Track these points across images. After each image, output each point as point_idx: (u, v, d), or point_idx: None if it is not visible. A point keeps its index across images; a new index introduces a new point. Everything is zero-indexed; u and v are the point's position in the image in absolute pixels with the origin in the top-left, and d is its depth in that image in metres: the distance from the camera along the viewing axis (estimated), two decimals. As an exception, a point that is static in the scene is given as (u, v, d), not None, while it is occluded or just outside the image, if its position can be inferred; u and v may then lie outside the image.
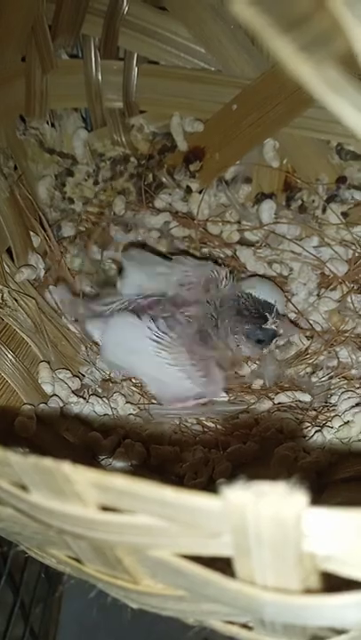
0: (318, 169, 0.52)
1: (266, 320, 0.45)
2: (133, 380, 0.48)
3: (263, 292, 0.46)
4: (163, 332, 0.43)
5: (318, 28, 0.13)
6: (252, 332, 0.45)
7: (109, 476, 0.16)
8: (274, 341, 0.47)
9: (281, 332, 0.46)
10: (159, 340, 0.43)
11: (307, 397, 0.45)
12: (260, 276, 0.51)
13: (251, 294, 0.46)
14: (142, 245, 0.52)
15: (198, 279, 0.46)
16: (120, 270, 0.49)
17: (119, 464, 0.38)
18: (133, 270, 0.47)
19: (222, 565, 0.18)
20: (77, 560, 0.23)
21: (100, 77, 0.52)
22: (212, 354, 0.45)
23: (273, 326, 0.45)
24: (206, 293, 0.46)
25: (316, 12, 0.13)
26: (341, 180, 0.51)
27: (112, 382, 0.47)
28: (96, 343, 0.47)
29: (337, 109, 0.11)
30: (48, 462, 0.17)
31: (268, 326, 0.45)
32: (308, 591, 0.18)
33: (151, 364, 0.44)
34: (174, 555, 0.18)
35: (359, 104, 0.12)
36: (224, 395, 0.47)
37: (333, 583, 0.18)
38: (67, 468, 0.17)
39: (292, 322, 0.49)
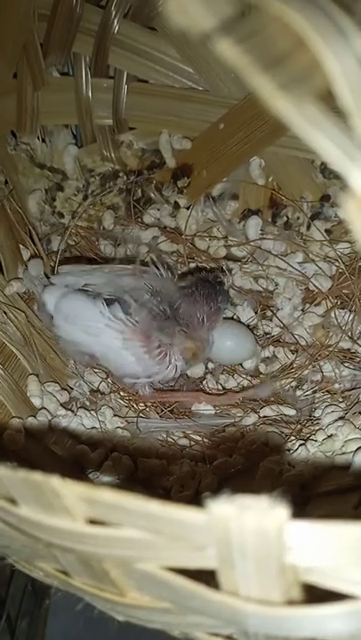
0: (303, 187, 0.53)
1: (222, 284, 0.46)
2: (122, 393, 0.48)
3: (234, 337, 0.47)
4: (116, 316, 0.43)
5: (298, 65, 0.13)
6: (212, 300, 0.45)
7: (97, 489, 0.17)
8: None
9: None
10: (111, 323, 0.43)
11: (291, 411, 0.45)
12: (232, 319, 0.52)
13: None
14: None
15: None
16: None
17: (107, 477, 0.39)
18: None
19: (207, 577, 0.19)
20: (65, 573, 0.23)
21: (90, 95, 0.53)
22: (170, 341, 0.44)
23: (229, 289, 0.47)
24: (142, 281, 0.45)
25: (295, 51, 0.14)
26: (325, 198, 0.53)
27: (100, 393, 0.47)
28: (50, 316, 0.46)
29: (316, 144, 0.12)
30: (37, 476, 0.17)
31: (224, 290, 0.47)
32: (291, 603, 0.18)
33: (102, 345, 0.44)
34: (160, 567, 0.19)
35: (337, 139, 0.12)
36: (210, 408, 0.47)
37: (315, 595, 0.18)
38: (55, 482, 0.17)
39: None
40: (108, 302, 0.44)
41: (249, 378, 0.50)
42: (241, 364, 0.51)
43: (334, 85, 0.14)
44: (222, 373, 0.51)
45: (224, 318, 0.49)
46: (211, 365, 0.51)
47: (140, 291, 0.45)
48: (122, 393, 0.48)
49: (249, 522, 0.15)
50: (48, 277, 0.47)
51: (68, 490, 0.17)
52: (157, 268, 0.46)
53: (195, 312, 0.45)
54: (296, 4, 0.14)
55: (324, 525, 0.15)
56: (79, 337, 0.44)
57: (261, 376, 0.50)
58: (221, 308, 0.46)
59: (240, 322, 0.52)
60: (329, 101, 0.14)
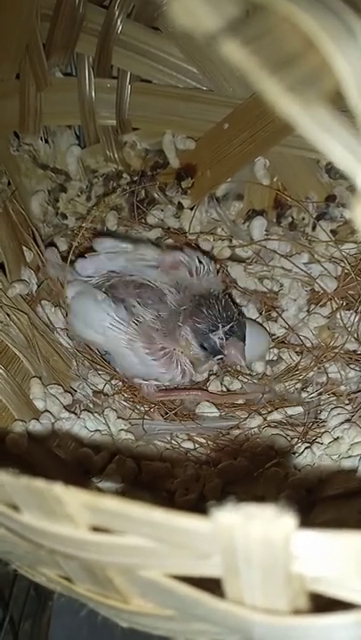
0: (308, 187, 0.53)
1: (216, 329, 0.42)
2: (125, 395, 0.48)
3: (248, 336, 0.45)
4: (121, 319, 0.44)
5: (306, 67, 0.13)
6: (201, 334, 0.43)
7: (100, 497, 0.17)
8: (215, 359, 0.44)
9: (224, 353, 0.43)
10: (115, 324, 0.44)
11: (298, 409, 0.45)
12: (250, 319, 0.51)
13: (224, 296, 0.44)
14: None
15: (163, 262, 0.46)
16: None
17: (110, 480, 0.38)
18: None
19: (212, 585, 0.18)
20: (68, 579, 0.23)
21: (93, 95, 0.53)
22: (174, 345, 0.44)
23: (217, 340, 0.42)
24: (171, 277, 0.45)
25: (304, 52, 0.13)
26: (331, 198, 0.52)
27: (104, 394, 0.47)
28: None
29: (324, 147, 0.12)
30: (40, 483, 0.17)
31: (213, 337, 0.42)
32: (297, 612, 0.18)
33: (110, 345, 0.46)
34: (165, 575, 0.19)
35: (345, 141, 0.12)
36: (215, 410, 0.47)
37: (322, 604, 0.18)
38: (58, 489, 0.17)
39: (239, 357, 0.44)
40: (115, 302, 0.45)
41: (254, 380, 0.50)
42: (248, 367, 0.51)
43: (344, 87, 0.13)
44: (226, 375, 0.51)
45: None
46: (215, 367, 0.51)
47: (155, 289, 0.45)
48: (125, 394, 0.48)
49: (255, 531, 0.15)
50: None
51: (72, 497, 0.17)
52: (197, 263, 0.46)
53: (184, 330, 0.44)
54: (304, 4, 0.14)
55: (330, 535, 0.15)
56: (90, 335, 0.46)
57: (267, 378, 0.50)
58: (201, 352, 0.44)
59: (252, 320, 0.51)
60: (338, 102, 0.14)
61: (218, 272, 0.48)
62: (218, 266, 0.49)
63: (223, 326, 0.42)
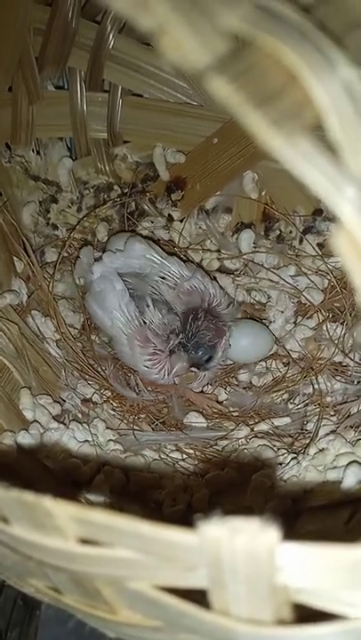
0: (296, 201, 0.54)
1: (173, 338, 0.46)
2: (113, 404, 0.49)
3: (250, 336, 0.48)
4: (129, 314, 0.47)
5: (290, 100, 0.14)
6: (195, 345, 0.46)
7: (89, 510, 0.17)
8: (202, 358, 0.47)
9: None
10: (121, 315, 0.47)
11: (285, 420, 0.46)
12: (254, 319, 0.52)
13: (207, 319, 0.46)
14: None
15: (180, 287, 0.48)
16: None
17: (98, 491, 0.39)
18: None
19: (198, 596, 0.19)
20: (57, 590, 0.23)
21: (85, 108, 0.54)
22: (166, 353, 0.46)
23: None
24: (183, 300, 0.48)
25: (287, 86, 0.14)
26: (317, 212, 0.53)
27: (93, 403, 0.47)
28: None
29: (306, 179, 0.12)
30: (29, 496, 0.17)
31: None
32: (281, 622, 0.18)
33: (113, 330, 0.48)
34: (152, 587, 0.19)
35: (327, 173, 0.13)
36: (203, 420, 0.47)
37: (306, 614, 0.18)
38: (47, 502, 0.17)
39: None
40: (131, 297, 0.47)
41: (242, 390, 0.50)
42: (235, 377, 0.51)
43: (325, 119, 0.14)
44: (214, 385, 0.51)
45: (240, 318, 0.51)
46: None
47: (165, 304, 0.48)
48: (114, 404, 0.49)
49: (240, 544, 0.15)
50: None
51: (61, 510, 0.17)
52: (211, 295, 0.48)
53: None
54: (288, 39, 0.14)
55: (314, 547, 0.16)
56: (100, 317, 0.48)
57: (254, 388, 0.50)
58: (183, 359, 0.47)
59: (254, 319, 0.52)
60: (321, 135, 0.14)
61: (229, 305, 0.49)
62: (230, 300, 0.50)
63: (181, 338, 0.46)
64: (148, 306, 0.47)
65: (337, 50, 0.15)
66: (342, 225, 0.13)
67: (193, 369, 0.47)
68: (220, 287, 0.51)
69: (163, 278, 0.48)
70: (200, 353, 0.46)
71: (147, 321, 0.47)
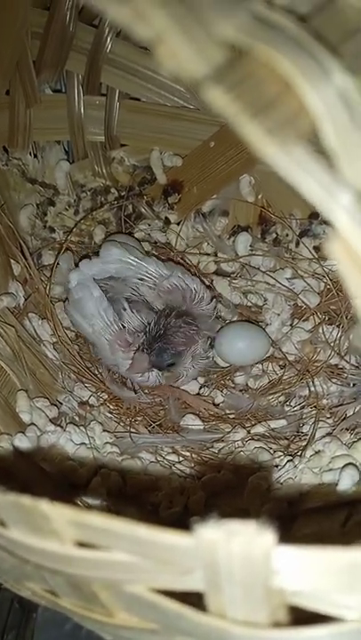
0: (292, 204, 0.54)
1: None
2: (110, 406, 0.49)
3: (246, 338, 0.48)
4: (108, 318, 0.47)
5: (285, 109, 0.14)
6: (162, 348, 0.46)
7: (86, 513, 0.17)
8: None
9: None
10: (101, 323, 0.47)
11: (282, 422, 0.46)
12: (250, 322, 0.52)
13: (180, 320, 0.46)
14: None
15: (160, 287, 0.48)
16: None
17: (95, 494, 0.39)
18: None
19: (195, 599, 0.19)
20: (53, 593, 0.24)
21: (82, 112, 0.54)
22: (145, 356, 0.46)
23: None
24: (163, 300, 0.47)
25: (283, 95, 0.14)
26: (314, 215, 0.53)
27: (89, 405, 0.47)
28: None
29: (301, 187, 0.13)
30: (26, 500, 0.17)
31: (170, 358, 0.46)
32: (277, 625, 0.18)
33: (94, 336, 0.48)
34: (149, 589, 0.19)
35: (322, 181, 0.13)
36: (200, 423, 0.48)
37: (302, 617, 0.19)
38: (44, 506, 0.17)
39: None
40: (109, 301, 0.47)
41: (238, 392, 0.50)
42: (232, 379, 0.51)
43: (320, 127, 0.14)
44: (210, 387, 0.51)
45: (235, 321, 0.52)
46: (201, 380, 0.52)
47: (146, 302, 0.48)
48: (111, 406, 0.49)
49: (236, 546, 0.15)
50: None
51: (57, 513, 0.17)
52: (193, 291, 0.48)
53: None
54: (283, 48, 0.14)
55: (309, 550, 0.16)
56: (81, 324, 0.48)
57: (250, 391, 0.51)
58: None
59: (251, 322, 0.52)
60: (316, 143, 0.14)
61: (212, 300, 0.49)
62: (212, 295, 0.50)
63: (147, 337, 0.46)
64: (124, 309, 0.47)
65: (332, 58, 0.15)
66: (338, 232, 0.13)
67: (154, 370, 0.47)
68: (203, 283, 0.50)
69: (141, 279, 0.48)
70: (164, 357, 0.46)
71: (125, 324, 0.47)
